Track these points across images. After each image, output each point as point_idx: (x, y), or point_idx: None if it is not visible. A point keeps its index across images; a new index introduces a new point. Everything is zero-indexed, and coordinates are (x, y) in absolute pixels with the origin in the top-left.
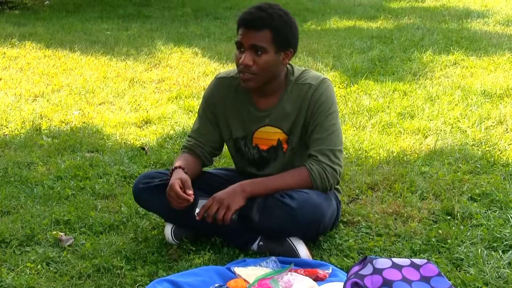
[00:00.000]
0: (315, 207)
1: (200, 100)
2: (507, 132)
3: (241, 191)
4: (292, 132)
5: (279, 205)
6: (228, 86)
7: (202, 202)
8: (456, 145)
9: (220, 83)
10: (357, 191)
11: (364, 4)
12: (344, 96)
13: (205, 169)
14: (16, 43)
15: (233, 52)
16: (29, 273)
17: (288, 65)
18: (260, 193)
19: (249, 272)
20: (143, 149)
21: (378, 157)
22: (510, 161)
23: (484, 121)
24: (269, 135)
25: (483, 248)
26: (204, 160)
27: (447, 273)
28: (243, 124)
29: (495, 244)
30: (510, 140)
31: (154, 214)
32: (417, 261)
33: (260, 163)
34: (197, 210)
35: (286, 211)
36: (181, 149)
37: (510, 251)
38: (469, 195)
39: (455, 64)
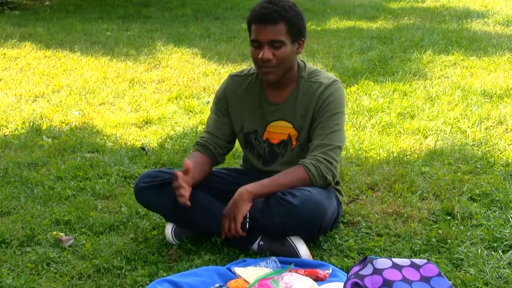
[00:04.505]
0: (317, 204)
1: (201, 100)
2: (507, 132)
3: (244, 193)
4: (302, 129)
5: (281, 203)
6: (240, 83)
7: None
8: (456, 145)
9: (233, 80)
10: (357, 191)
11: (364, 5)
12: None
13: None
14: (17, 44)
15: (233, 52)
16: (30, 274)
17: (299, 61)
18: (264, 192)
19: (249, 272)
20: (143, 149)
21: (378, 157)
22: (510, 161)
23: (484, 121)
24: (281, 129)
25: (483, 248)
26: (216, 157)
27: (447, 273)
28: (255, 118)
29: (495, 244)
30: (510, 140)
31: (154, 214)
32: (417, 261)
33: (269, 158)
34: None
35: (288, 208)
36: (194, 145)
37: (510, 251)
38: (469, 195)
39: (455, 64)
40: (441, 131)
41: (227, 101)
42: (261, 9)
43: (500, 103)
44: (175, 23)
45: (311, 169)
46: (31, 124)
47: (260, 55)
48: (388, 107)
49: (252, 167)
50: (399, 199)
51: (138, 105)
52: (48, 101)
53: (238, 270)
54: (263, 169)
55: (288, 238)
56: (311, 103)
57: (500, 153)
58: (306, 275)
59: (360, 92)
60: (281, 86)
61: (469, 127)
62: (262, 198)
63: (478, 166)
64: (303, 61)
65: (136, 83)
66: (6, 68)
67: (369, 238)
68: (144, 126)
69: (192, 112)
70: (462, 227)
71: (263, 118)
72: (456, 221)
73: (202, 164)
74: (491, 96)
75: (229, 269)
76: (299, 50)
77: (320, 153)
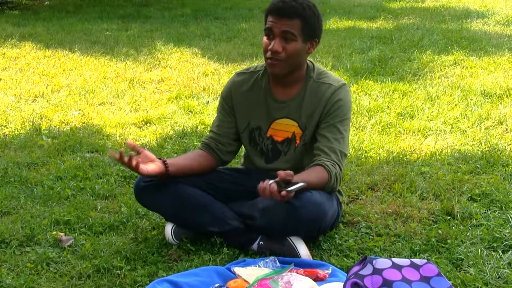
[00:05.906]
0: (318, 205)
1: (201, 100)
2: (507, 132)
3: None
4: (306, 128)
5: (282, 204)
6: (246, 80)
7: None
8: (456, 145)
9: (238, 77)
10: (357, 191)
11: (364, 4)
12: None
13: None
14: (16, 44)
15: (233, 52)
16: (29, 274)
17: (309, 62)
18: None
19: (249, 272)
20: None
21: (378, 157)
22: (510, 161)
23: (484, 121)
24: (285, 127)
25: (483, 248)
26: (219, 155)
27: (447, 273)
28: (261, 114)
29: (495, 244)
30: (510, 140)
31: (154, 214)
32: (417, 261)
33: (272, 155)
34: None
35: (289, 209)
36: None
37: (510, 251)
38: (469, 195)
39: (455, 64)
40: (441, 131)
41: (232, 100)
42: (279, 2)
43: (500, 103)
44: (175, 23)
45: (332, 177)
46: (31, 124)
47: (270, 46)
48: (388, 107)
49: (253, 166)
50: (399, 199)
51: (138, 105)
52: (47, 101)
53: (237, 270)
54: (265, 166)
55: (288, 238)
56: (320, 103)
57: (500, 153)
58: (306, 275)
59: (360, 92)
60: (288, 84)
61: (469, 127)
62: (262, 199)
63: (478, 166)
64: (312, 62)
65: (136, 83)
66: (6, 68)
67: (369, 238)
68: (143, 126)
69: (191, 112)
70: (462, 227)
71: (268, 115)
72: (456, 221)
73: (193, 154)
74: (491, 96)
75: (229, 269)
76: (310, 50)
77: (337, 159)
